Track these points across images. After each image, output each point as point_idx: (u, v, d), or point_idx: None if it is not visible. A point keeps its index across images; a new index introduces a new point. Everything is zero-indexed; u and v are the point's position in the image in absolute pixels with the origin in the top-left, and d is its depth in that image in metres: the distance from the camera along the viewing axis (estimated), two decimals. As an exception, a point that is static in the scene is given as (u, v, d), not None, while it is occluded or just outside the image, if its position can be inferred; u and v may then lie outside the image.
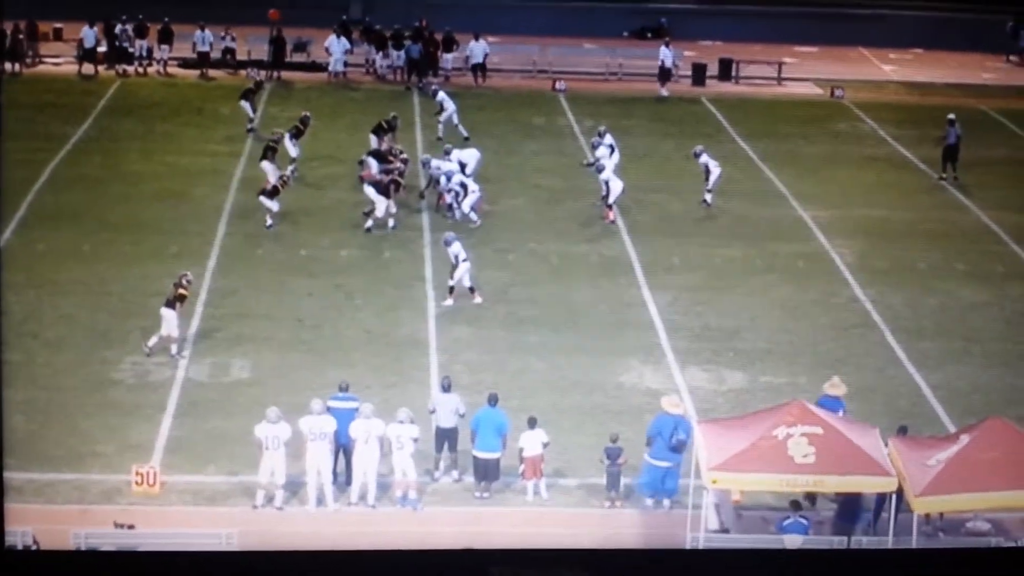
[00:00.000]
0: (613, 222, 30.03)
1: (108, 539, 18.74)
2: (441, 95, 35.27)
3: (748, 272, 28.16)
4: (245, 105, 34.66)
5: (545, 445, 20.64)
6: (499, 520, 20.27)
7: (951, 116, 34.20)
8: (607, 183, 30.17)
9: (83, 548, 18.45)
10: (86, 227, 28.79)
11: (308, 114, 32.64)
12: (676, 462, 20.57)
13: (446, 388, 21.42)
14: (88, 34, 39.50)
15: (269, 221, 28.90)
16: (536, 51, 43.60)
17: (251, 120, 34.13)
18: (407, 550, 18.19)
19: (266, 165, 30.17)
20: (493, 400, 21.00)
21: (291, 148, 31.72)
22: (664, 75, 41.28)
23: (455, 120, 35.01)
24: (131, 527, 19.03)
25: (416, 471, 20.56)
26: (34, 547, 18.15)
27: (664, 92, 40.99)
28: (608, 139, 32.11)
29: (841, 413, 20.60)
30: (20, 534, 18.21)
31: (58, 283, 26.26)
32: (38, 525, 18.61)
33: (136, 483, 20.13)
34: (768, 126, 38.55)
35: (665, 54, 41.34)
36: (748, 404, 22.52)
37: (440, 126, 35.06)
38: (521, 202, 31.49)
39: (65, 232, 28.38)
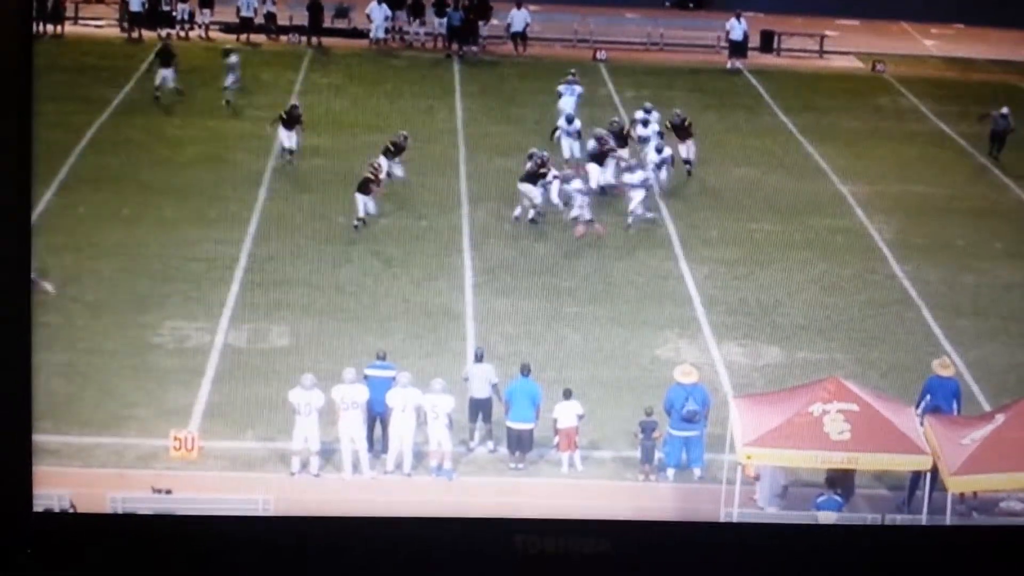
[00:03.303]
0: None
1: (145, 504, 18.92)
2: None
3: (786, 247, 28.09)
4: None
5: (580, 417, 20.72)
6: (532, 491, 20.38)
7: (1005, 110, 33.94)
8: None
9: (120, 512, 18.66)
10: (126, 190, 28.87)
11: (297, 103, 32.00)
12: (696, 431, 20.69)
13: (479, 358, 21.52)
14: (134, -4, 39.52)
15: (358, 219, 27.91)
16: (577, 20, 43.40)
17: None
18: (433, 517, 18.43)
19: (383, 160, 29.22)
20: (526, 370, 21.08)
21: (286, 138, 30.98)
22: (735, 48, 40.88)
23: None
24: (168, 492, 19.22)
25: (451, 441, 20.69)
26: (71, 511, 18.36)
27: (738, 65, 40.59)
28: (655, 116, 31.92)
29: (953, 396, 20.64)
30: (57, 497, 18.42)
31: (98, 246, 26.38)
32: (75, 489, 18.84)
33: (174, 448, 20.31)
34: (808, 99, 38.33)
35: (734, 26, 41.03)
36: (784, 380, 22.53)
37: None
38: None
39: (105, 195, 28.47)
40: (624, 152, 30.15)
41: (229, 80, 34.64)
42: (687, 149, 31.11)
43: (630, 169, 28.99)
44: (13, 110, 16.70)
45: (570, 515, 18.96)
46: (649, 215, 28.38)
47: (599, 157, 29.56)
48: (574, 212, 27.67)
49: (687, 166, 30.98)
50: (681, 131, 31.18)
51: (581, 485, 20.58)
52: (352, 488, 20.24)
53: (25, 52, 16.68)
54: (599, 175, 29.28)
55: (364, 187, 27.67)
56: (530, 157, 28.53)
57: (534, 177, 28.02)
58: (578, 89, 34.20)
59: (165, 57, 34.44)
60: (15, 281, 16.82)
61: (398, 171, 29.26)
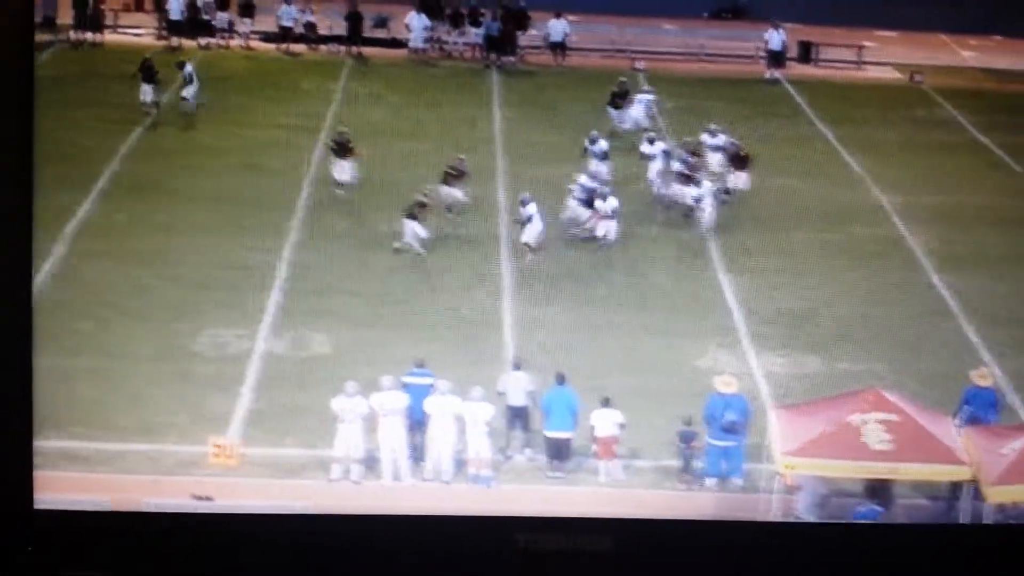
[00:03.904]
0: None
1: (185, 510, 19.00)
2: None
3: (825, 256, 28.02)
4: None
5: (622, 426, 20.72)
6: (569, 498, 20.39)
7: None
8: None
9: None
10: (165, 198, 28.96)
11: (346, 129, 31.17)
12: (735, 441, 20.69)
13: (516, 366, 21.58)
14: (174, 5, 39.67)
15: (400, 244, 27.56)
16: (615, 30, 43.41)
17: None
18: (431, 515, 18.50)
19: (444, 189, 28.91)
20: (561, 379, 21.14)
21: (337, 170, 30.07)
22: (774, 58, 40.80)
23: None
24: (209, 498, 19.28)
25: (490, 448, 20.72)
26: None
27: (776, 75, 40.52)
28: (661, 145, 31.34)
29: (992, 406, 20.60)
30: (94, 503, 18.53)
31: (137, 253, 26.49)
32: (113, 494, 18.93)
33: (214, 454, 20.38)
34: (847, 110, 38.19)
35: (772, 36, 40.97)
36: (823, 389, 22.46)
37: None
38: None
39: (144, 203, 28.58)
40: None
41: (189, 91, 33.85)
42: (738, 179, 30.51)
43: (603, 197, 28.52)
44: (15, 112, 16.73)
45: (571, 513, 19.05)
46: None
47: (685, 179, 29.40)
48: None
49: (727, 196, 30.25)
50: (737, 161, 30.72)
51: (618, 493, 20.59)
52: (392, 495, 20.30)
53: (27, 53, 16.67)
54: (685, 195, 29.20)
55: (413, 213, 27.26)
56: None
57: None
58: (650, 98, 34.25)
59: (148, 73, 33.60)
60: (17, 284, 16.86)
61: (459, 194, 28.65)
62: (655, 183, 29.63)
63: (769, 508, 19.70)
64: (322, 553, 17.03)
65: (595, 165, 29.99)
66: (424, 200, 27.37)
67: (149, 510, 18.73)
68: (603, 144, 30.44)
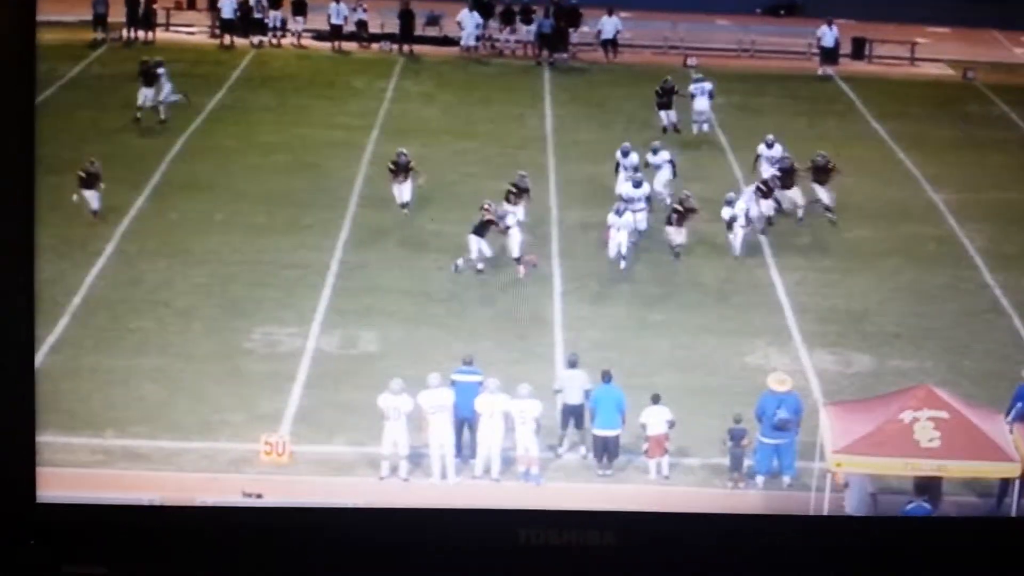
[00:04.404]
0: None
1: (192, 504, 19.15)
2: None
3: (877, 254, 27.92)
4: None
5: (671, 424, 20.72)
6: (620, 496, 20.42)
7: None
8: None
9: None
10: (219, 197, 29.16)
11: (403, 151, 29.39)
12: (786, 440, 20.65)
13: (572, 364, 21.60)
14: (227, 3, 39.90)
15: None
16: (668, 27, 43.35)
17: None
18: (432, 508, 18.57)
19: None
20: (607, 377, 21.14)
21: (397, 192, 28.88)
22: (827, 55, 40.67)
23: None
24: (259, 496, 19.41)
25: (539, 447, 20.77)
26: None
27: (829, 71, 40.38)
28: (665, 155, 30.10)
29: None
30: (147, 501, 18.69)
31: (190, 252, 26.67)
32: (166, 493, 19.09)
33: (265, 452, 20.50)
34: (899, 106, 38.05)
35: (825, 33, 40.84)
36: (875, 388, 22.37)
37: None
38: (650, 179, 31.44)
39: (198, 201, 28.77)
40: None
41: (163, 93, 33.17)
42: (825, 194, 29.39)
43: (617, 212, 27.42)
44: (16, 109, 16.81)
45: (575, 507, 19.09)
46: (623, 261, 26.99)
47: (766, 194, 28.83)
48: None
49: (829, 214, 29.14)
50: (822, 172, 29.46)
51: (670, 491, 20.60)
52: (441, 493, 20.37)
53: (28, 51, 16.77)
54: (765, 208, 28.69)
55: (480, 230, 26.44)
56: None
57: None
58: (708, 87, 34.19)
59: (148, 77, 32.91)
60: (19, 283, 16.97)
61: (520, 214, 27.49)
62: (662, 193, 28.98)
63: (810, 504, 19.68)
64: (318, 545, 17.09)
65: (624, 179, 29.03)
66: (491, 218, 26.51)
67: (152, 504, 18.83)
68: (635, 158, 29.55)
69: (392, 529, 17.32)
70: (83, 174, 27.17)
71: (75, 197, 26.78)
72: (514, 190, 27.65)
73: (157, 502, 18.79)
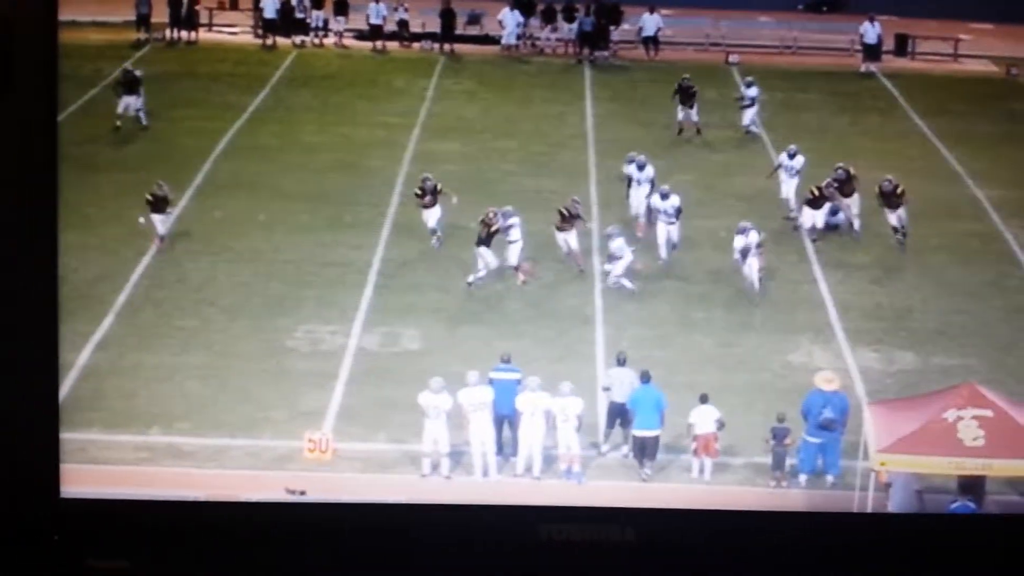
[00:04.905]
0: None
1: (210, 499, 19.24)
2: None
3: (921, 251, 27.79)
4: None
5: (720, 425, 20.66)
6: (663, 495, 20.39)
7: None
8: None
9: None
10: (262, 196, 29.25)
11: (428, 176, 28.15)
12: (830, 439, 20.57)
13: (621, 362, 21.58)
14: (269, 3, 40.02)
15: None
16: (709, 24, 43.26)
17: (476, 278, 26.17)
18: (452, 504, 18.58)
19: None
20: (646, 377, 21.09)
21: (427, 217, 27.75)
22: (869, 51, 40.51)
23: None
24: (302, 493, 19.47)
25: (580, 444, 20.77)
26: None
27: (871, 68, 40.21)
28: (650, 171, 28.85)
29: None
30: (192, 498, 18.78)
31: (234, 251, 26.78)
32: (210, 490, 19.18)
33: (308, 449, 20.56)
34: (942, 103, 37.88)
35: (868, 29, 40.67)
36: (918, 386, 22.28)
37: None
38: (691, 177, 31.37)
39: (241, 200, 28.88)
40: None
41: (142, 101, 32.21)
42: (895, 217, 28.07)
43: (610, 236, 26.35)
44: (42, 109, 16.89)
45: (595, 503, 19.07)
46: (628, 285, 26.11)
47: (815, 202, 28.18)
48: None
49: (896, 235, 28.00)
50: (891, 198, 28.11)
51: (713, 490, 20.57)
52: (482, 491, 20.40)
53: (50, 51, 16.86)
54: (813, 217, 28.16)
55: (487, 240, 25.93)
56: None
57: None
58: (752, 92, 34.06)
59: (130, 84, 32.12)
60: (43, 280, 17.07)
61: (573, 242, 26.56)
62: (641, 215, 27.99)
63: (853, 503, 19.61)
64: (332, 540, 17.15)
65: (636, 191, 28.50)
66: (495, 227, 25.94)
67: (175, 500, 18.91)
68: (651, 171, 28.68)
69: (410, 525, 17.38)
70: (150, 197, 26.67)
71: (141, 220, 26.49)
72: (565, 214, 26.65)
73: (201, 499, 18.89)
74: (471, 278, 25.64)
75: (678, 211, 27.10)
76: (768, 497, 20.57)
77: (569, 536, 16.83)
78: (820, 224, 28.11)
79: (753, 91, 34.20)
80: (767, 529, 17.35)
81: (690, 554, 16.82)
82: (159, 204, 26.70)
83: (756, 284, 25.70)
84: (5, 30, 16.48)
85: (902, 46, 43.11)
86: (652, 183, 28.33)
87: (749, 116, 33.82)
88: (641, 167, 28.63)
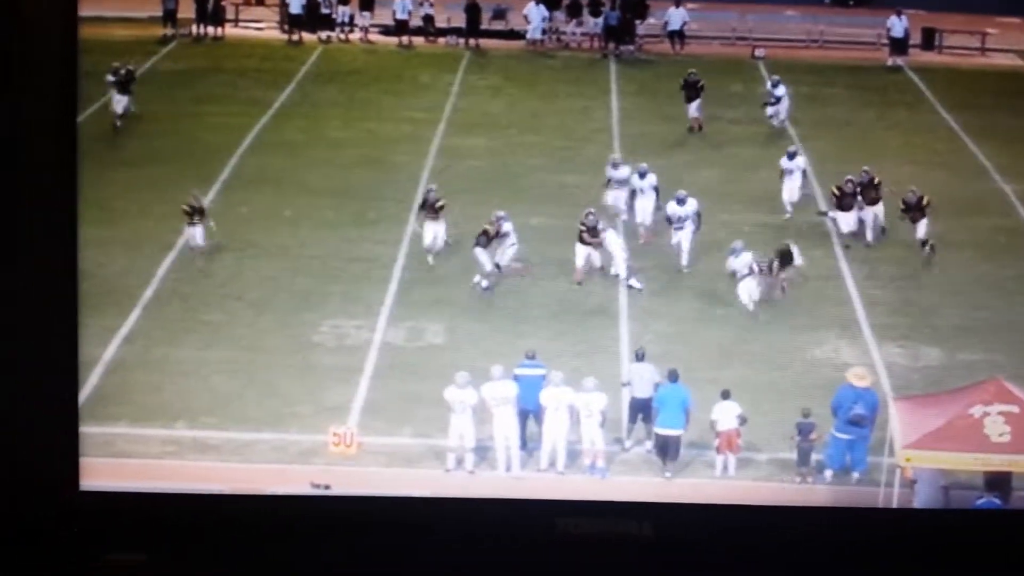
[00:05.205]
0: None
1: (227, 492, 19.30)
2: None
3: (947, 246, 27.68)
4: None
5: (742, 420, 20.63)
6: (683, 491, 20.40)
7: None
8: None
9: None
10: (287, 191, 29.31)
11: (432, 187, 27.89)
12: (859, 435, 20.52)
13: (640, 358, 21.57)
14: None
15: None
16: (735, 18, 43.17)
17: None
18: (467, 498, 18.60)
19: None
20: (674, 376, 21.05)
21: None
22: (896, 45, 40.39)
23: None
24: (327, 487, 19.51)
25: (605, 440, 20.77)
26: None
27: (898, 62, 40.09)
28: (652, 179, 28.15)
29: None
30: (217, 492, 18.86)
31: (260, 246, 26.83)
32: (236, 484, 19.25)
33: (333, 444, 20.61)
34: (970, 97, 37.72)
35: (895, 23, 40.54)
36: (944, 382, 22.23)
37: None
38: (716, 172, 31.33)
39: (267, 196, 28.93)
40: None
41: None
42: (920, 229, 27.61)
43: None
44: (60, 96, 16.91)
45: (612, 498, 19.08)
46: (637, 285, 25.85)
47: (841, 202, 28.02)
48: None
49: (924, 248, 27.37)
50: (915, 210, 27.74)
51: (737, 486, 20.55)
52: (507, 485, 20.42)
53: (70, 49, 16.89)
54: (847, 220, 27.89)
55: (483, 241, 25.83)
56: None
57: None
58: (780, 91, 33.93)
59: (123, 84, 31.42)
60: (62, 274, 17.10)
61: (595, 260, 26.05)
62: (647, 224, 27.58)
63: (878, 499, 19.58)
64: (349, 533, 17.16)
65: (613, 193, 28.18)
66: (489, 230, 25.83)
67: (191, 493, 18.96)
68: (654, 178, 28.10)
69: (427, 519, 17.37)
70: (187, 208, 26.29)
71: (185, 235, 26.26)
72: (583, 228, 26.02)
73: (219, 492, 18.97)
74: (482, 283, 25.55)
75: (698, 215, 26.78)
76: (790, 493, 20.53)
77: (585, 530, 16.83)
78: (855, 227, 27.81)
79: (780, 90, 34.07)
80: (787, 524, 17.30)
81: (708, 549, 16.80)
82: (195, 215, 26.37)
83: (750, 307, 24.84)
84: (24, 26, 16.53)
85: (929, 40, 42.96)
86: (656, 190, 27.80)
87: (776, 112, 33.69)
88: (643, 175, 28.09)
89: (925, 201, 27.83)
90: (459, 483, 20.44)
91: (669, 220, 26.96)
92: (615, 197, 28.23)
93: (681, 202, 26.91)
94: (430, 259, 26.43)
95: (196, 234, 26.29)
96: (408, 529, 16.79)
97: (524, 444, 20.83)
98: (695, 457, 21.06)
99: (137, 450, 20.53)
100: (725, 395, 20.91)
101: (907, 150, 31.65)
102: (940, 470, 19.44)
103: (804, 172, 29.29)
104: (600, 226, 26.02)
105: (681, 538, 16.72)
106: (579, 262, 25.86)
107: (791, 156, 29.55)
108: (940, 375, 22.83)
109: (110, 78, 31.20)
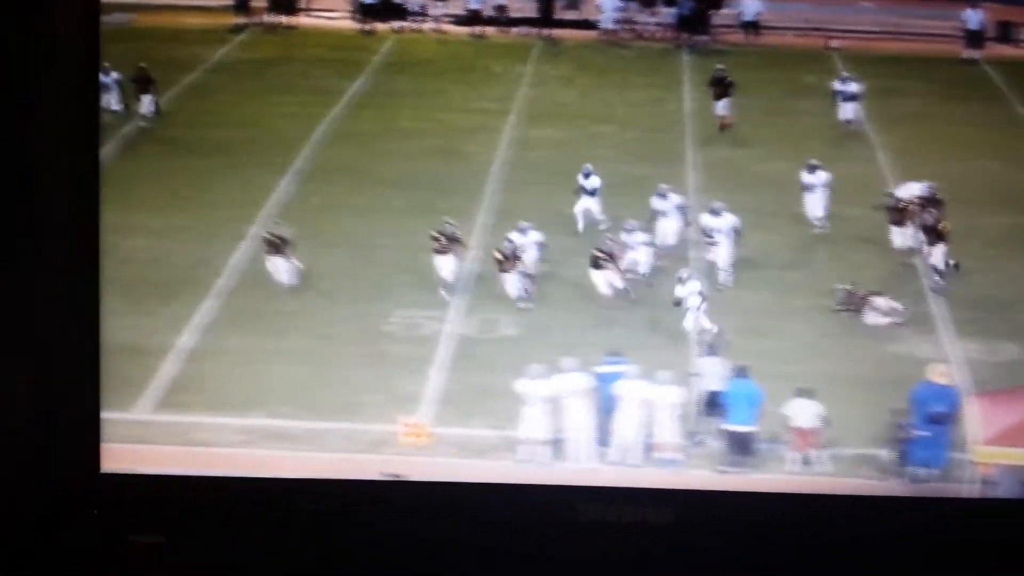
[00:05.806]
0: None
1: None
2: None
3: (1023, 241, 27.43)
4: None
5: (823, 420, 20.48)
6: (706, 478, 20.36)
7: None
8: None
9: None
10: (359, 181, 29.36)
11: (450, 221, 26.50)
12: (936, 432, 20.34)
13: (710, 351, 21.47)
14: (366, -10, 40.16)
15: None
16: (810, 9, 42.88)
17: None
18: (490, 483, 18.59)
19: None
20: (742, 372, 20.95)
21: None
22: (971, 38, 39.99)
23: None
24: (397, 476, 19.53)
25: (679, 434, 20.68)
26: None
27: (974, 55, 39.70)
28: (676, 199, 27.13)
29: None
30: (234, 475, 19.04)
31: (332, 235, 26.90)
32: (306, 474, 19.33)
33: (404, 434, 20.63)
34: (1049, 91, 37.41)
35: (970, 16, 40.15)
36: (1022, 377, 22.04)
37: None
38: (787, 165, 31.07)
39: (339, 186, 29.00)
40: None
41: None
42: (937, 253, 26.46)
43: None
44: (85, 93, 17.01)
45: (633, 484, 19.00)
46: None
47: (899, 217, 27.14)
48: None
49: (955, 268, 26.28)
50: (932, 234, 26.69)
51: (818, 481, 20.45)
52: (578, 477, 20.36)
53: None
54: (902, 236, 26.90)
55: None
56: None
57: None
58: (852, 88, 33.55)
59: (143, 82, 30.14)
60: (84, 260, 17.21)
61: (619, 283, 25.22)
62: (667, 248, 26.32)
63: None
64: (368, 517, 17.18)
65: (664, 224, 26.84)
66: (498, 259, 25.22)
67: (209, 476, 19.01)
68: (677, 198, 27.05)
69: (448, 503, 17.40)
70: (270, 237, 25.37)
71: (268, 265, 25.34)
72: (601, 255, 25.17)
73: (241, 475, 19.09)
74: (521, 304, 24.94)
75: (735, 231, 25.85)
76: (858, 485, 20.42)
77: (607, 517, 16.83)
78: (910, 244, 26.73)
79: (852, 87, 33.73)
80: (817, 514, 17.27)
81: (729, 536, 16.75)
82: (277, 247, 25.45)
83: (696, 336, 23.53)
84: (47, 17, 16.66)
85: (1005, 33, 42.55)
86: (683, 211, 26.76)
87: (849, 110, 33.33)
88: (663, 196, 27.03)
89: (942, 225, 26.64)
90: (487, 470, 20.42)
91: (703, 233, 26.03)
92: (662, 230, 26.80)
93: (715, 213, 26.09)
94: (444, 294, 25.10)
95: (280, 267, 25.23)
96: (430, 513, 16.87)
97: (605, 441, 20.76)
98: (765, 453, 20.93)
99: (212, 439, 20.64)
100: (802, 392, 20.74)
101: (984, 145, 31.29)
102: (1019, 467, 19.26)
103: (827, 186, 27.89)
104: (615, 251, 25.35)
105: (702, 525, 16.73)
106: (602, 289, 24.93)
107: (812, 170, 28.31)
108: (1018, 371, 22.59)
109: (128, 80, 29.93)
